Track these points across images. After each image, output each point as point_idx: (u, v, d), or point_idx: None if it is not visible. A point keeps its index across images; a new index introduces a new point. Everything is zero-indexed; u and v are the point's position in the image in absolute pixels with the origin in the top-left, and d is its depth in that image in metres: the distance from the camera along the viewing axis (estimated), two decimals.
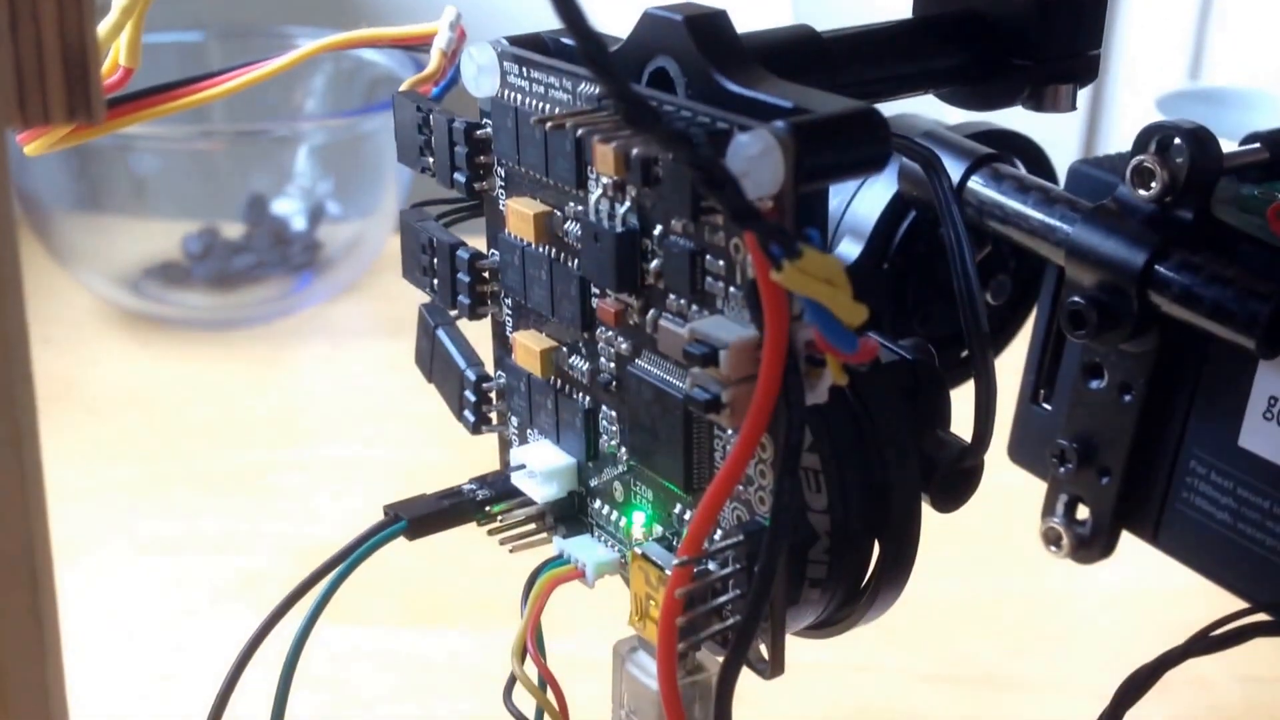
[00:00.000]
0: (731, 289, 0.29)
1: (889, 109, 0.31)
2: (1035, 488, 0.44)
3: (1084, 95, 1.16)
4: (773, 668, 0.31)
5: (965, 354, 0.46)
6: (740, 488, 0.30)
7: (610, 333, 0.33)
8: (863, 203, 0.43)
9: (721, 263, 0.29)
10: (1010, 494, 0.46)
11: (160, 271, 0.98)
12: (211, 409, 0.87)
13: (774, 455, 0.29)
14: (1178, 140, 0.37)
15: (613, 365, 0.33)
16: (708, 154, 0.25)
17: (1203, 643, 0.31)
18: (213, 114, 1.03)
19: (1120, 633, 0.68)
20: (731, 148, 0.27)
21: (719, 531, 0.31)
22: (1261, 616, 0.31)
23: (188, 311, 0.98)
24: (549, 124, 0.30)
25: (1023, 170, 0.44)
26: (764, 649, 0.31)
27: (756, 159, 0.26)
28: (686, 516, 0.32)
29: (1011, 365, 0.45)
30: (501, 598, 0.34)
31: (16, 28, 0.21)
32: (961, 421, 0.36)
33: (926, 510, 0.35)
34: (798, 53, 0.33)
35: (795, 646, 0.65)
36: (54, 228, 0.95)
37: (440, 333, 0.38)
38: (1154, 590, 0.70)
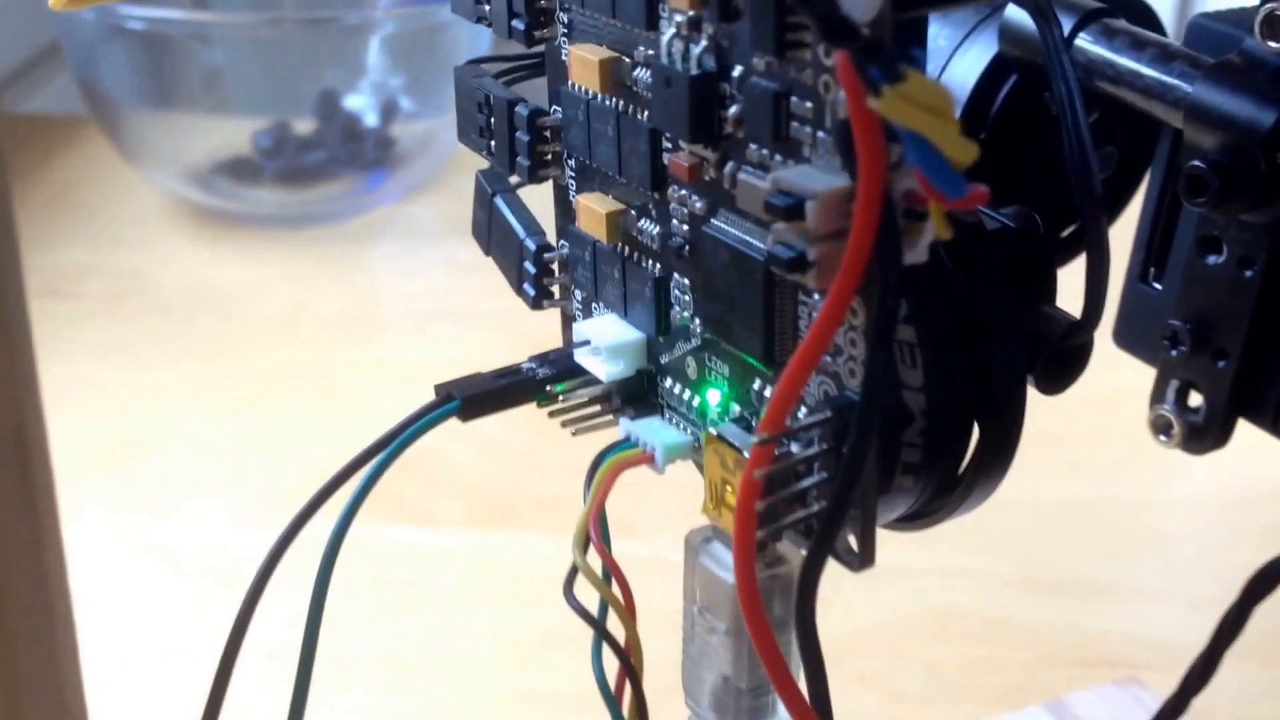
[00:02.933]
0: (820, 134, 0.26)
1: None
2: (1124, 390, 0.42)
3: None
4: (862, 559, 0.28)
5: (1068, 232, 0.43)
6: (828, 358, 0.27)
7: (683, 191, 0.30)
8: (959, 65, 0.40)
9: (809, 104, 0.26)
10: (1100, 396, 0.44)
11: (230, 167, 0.97)
12: (280, 307, 0.87)
13: (866, 322, 0.26)
14: None
15: (686, 228, 0.31)
16: None
17: None
18: (284, 2, 1.02)
19: (1211, 537, 0.66)
20: None
21: (803, 409, 0.28)
22: None
23: (258, 208, 0.98)
24: None
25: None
26: (852, 539, 0.28)
27: None
28: (767, 393, 0.30)
29: (1117, 246, 0.43)
30: (574, 500, 0.33)
31: None
32: (1066, 299, 0.33)
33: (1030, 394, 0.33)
34: None
35: (878, 545, 0.63)
36: (124, 125, 0.95)
37: (498, 200, 0.35)
38: (1244, 493, 0.68)
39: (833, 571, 0.61)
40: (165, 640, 0.59)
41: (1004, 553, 0.66)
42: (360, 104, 0.98)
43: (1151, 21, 0.42)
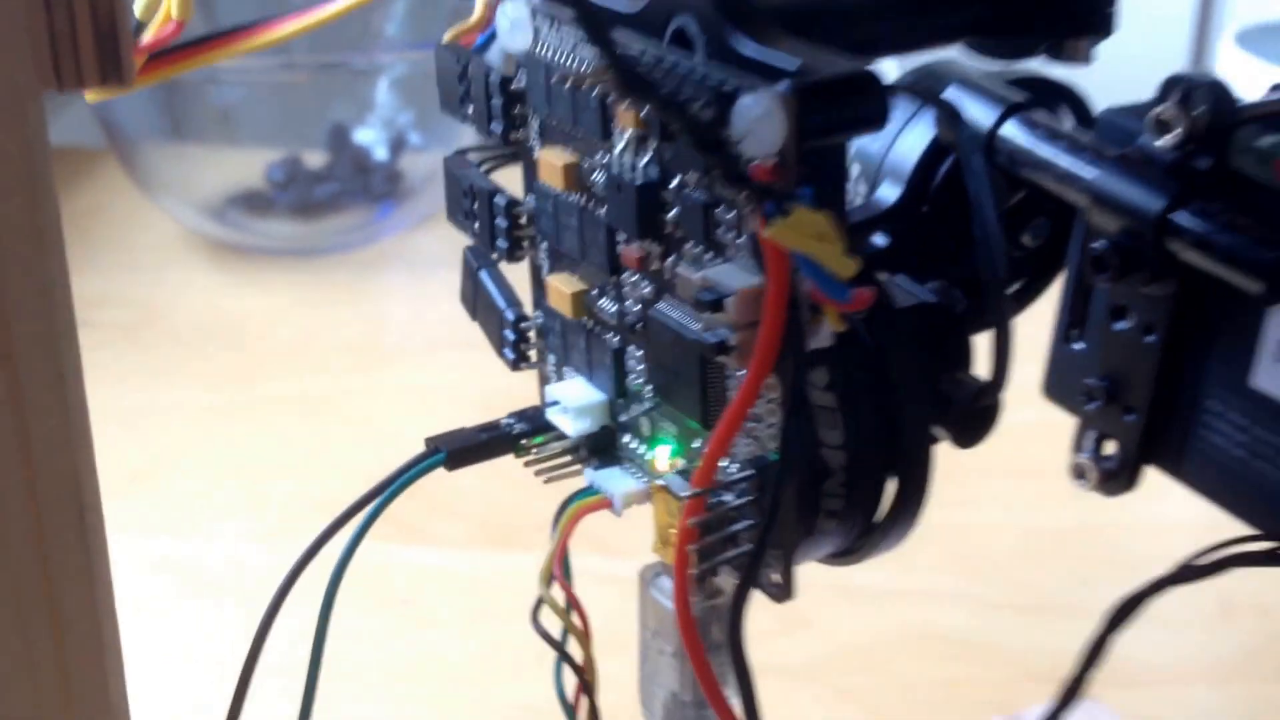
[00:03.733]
0: (740, 239, 0.31)
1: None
2: None
3: (1194, 11, 1.14)
4: (783, 592, 0.33)
5: (1010, 291, 0.47)
6: (752, 424, 0.32)
7: (635, 277, 0.35)
8: (903, 146, 0.44)
9: (731, 214, 0.31)
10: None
11: (244, 200, 1.00)
12: (292, 335, 0.90)
13: (782, 394, 0.31)
14: (1197, 92, 0.38)
15: (638, 308, 0.35)
16: (698, 120, 0.27)
17: (1187, 573, 0.33)
18: (295, 45, 1.05)
19: (1179, 561, 0.69)
20: (736, 108, 0.28)
21: (735, 465, 0.33)
22: (1243, 547, 0.33)
23: (270, 240, 1.01)
24: (569, 82, 0.32)
25: (1066, 118, 0.45)
26: (776, 575, 0.33)
27: (759, 120, 0.28)
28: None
29: (1050, 304, 0.47)
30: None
31: (51, 5, 0.23)
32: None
33: (993, 447, 0.37)
34: (812, 10, 0.34)
35: (860, 573, 0.67)
36: (140, 158, 0.97)
37: (482, 274, 0.40)
38: (1212, 518, 0.71)
39: (817, 593, 0.66)
40: (183, 651, 0.63)
41: (982, 576, 0.69)
42: (370, 138, 1.01)
43: (1079, 104, 0.47)
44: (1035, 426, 0.47)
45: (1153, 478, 0.44)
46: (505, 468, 0.41)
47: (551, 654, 0.36)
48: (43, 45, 0.22)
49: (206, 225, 0.99)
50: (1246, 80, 0.42)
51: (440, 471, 0.38)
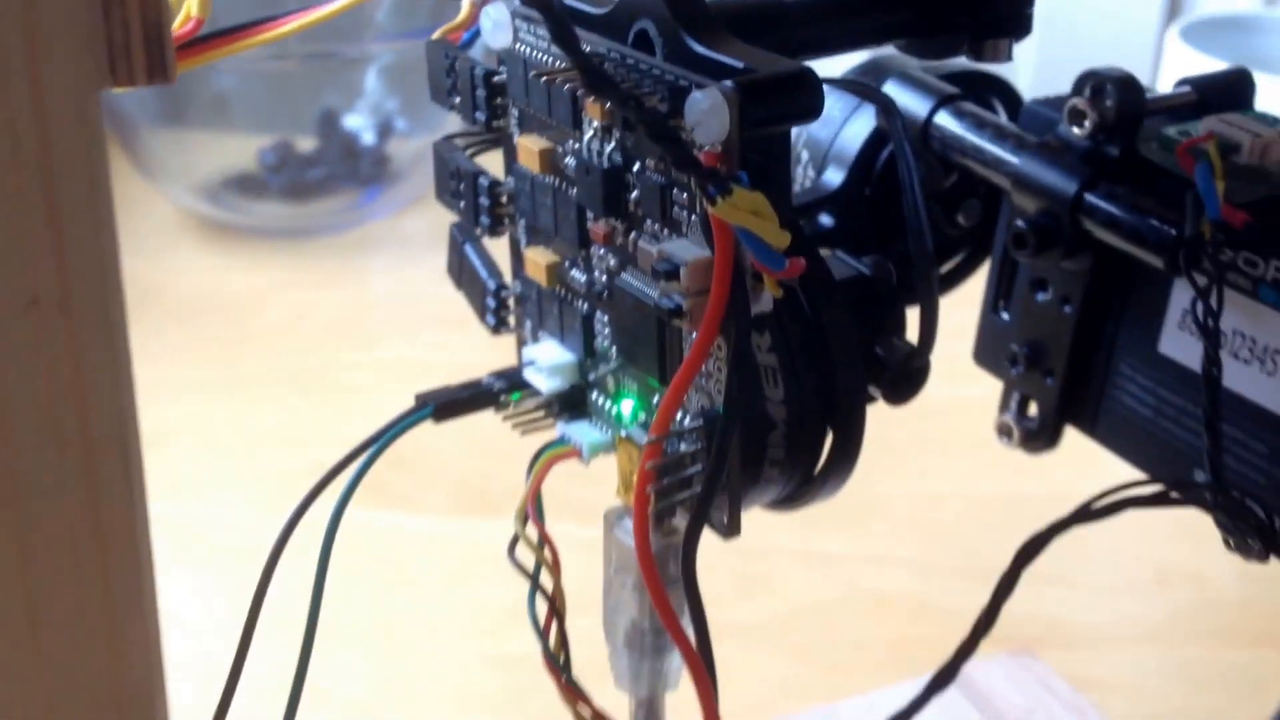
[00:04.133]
0: (693, 216, 0.35)
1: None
2: None
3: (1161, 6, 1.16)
4: (730, 529, 0.37)
5: (946, 268, 0.51)
6: (702, 380, 0.36)
7: (601, 250, 0.39)
8: (848, 135, 0.48)
9: (685, 195, 0.35)
10: None
11: (238, 183, 1.03)
12: (284, 313, 0.93)
13: (728, 353, 0.35)
14: (1109, 85, 0.43)
15: (604, 278, 0.39)
16: (655, 113, 0.31)
17: (1086, 514, 0.37)
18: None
19: (1121, 531, 0.73)
20: (688, 102, 0.32)
21: (687, 417, 0.37)
22: (1136, 491, 0.37)
23: (263, 221, 1.03)
24: (544, 78, 0.36)
25: (998, 110, 0.50)
26: (724, 515, 0.37)
27: (707, 112, 0.32)
28: None
29: (981, 279, 0.51)
30: (550, 493, 0.41)
31: (109, 12, 0.27)
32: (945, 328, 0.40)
33: (941, 421, 0.40)
34: (759, 15, 0.38)
35: (816, 539, 0.71)
36: (139, 142, 1.00)
37: (467, 248, 0.44)
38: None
39: (774, 558, 0.70)
40: (184, 608, 0.67)
41: (931, 543, 0.73)
42: (358, 124, 1.04)
43: (1010, 95, 0.51)
44: (982, 402, 0.51)
45: (1094, 454, 0.48)
46: (483, 439, 0.44)
47: (523, 611, 0.39)
48: (102, 47, 0.26)
49: (201, 206, 1.02)
50: (1191, 73, 0.46)
51: (424, 442, 0.42)
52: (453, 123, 1.02)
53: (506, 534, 0.40)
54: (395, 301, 0.96)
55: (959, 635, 0.38)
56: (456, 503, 0.75)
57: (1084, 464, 0.49)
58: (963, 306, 0.49)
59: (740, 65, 0.34)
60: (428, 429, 0.42)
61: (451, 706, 0.63)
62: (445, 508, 0.75)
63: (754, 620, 0.68)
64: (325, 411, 0.83)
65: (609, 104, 0.35)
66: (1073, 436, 0.48)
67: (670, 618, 0.36)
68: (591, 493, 0.43)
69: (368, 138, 1.05)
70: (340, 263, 1.00)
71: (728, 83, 0.32)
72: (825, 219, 0.47)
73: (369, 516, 0.72)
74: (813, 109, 0.34)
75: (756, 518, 0.37)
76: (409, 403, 0.42)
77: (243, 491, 0.76)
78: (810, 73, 0.33)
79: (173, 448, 0.79)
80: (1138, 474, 0.43)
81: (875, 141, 0.48)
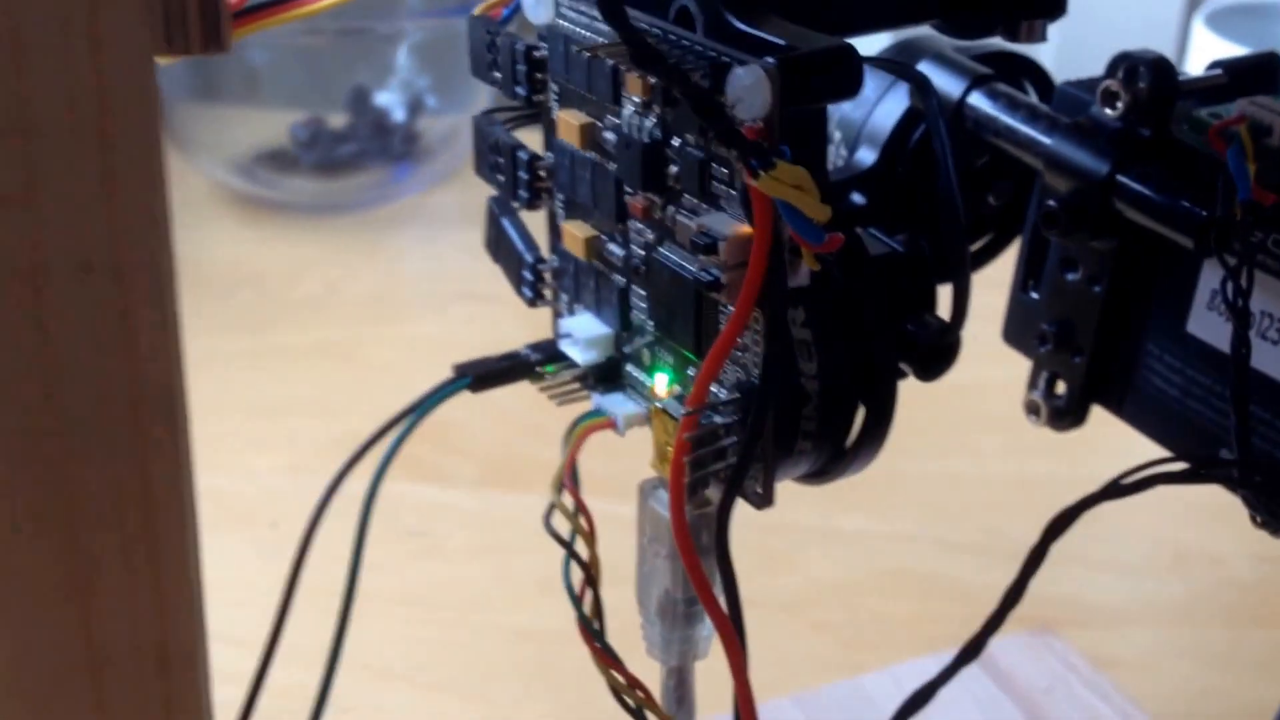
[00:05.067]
0: (732, 191, 0.35)
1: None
2: None
3: None
4: (764, 499, 0.37)
5: (977, 246, 0.52)
6: (739, 353, 0.37)
7: (639, 224, 0.39)
8: (880, 114, 0.49)
9: (725, 170, 0.35)
10: None
11: (270, 158, 1.04)
12: (315, 287, 0.94)
13: (765, 327, 0.35)
14: (1141, 67, 0.43)
15: (641, 252, 0.39)
16: (700, 88, 0.32)
17: (1115, 490, 0.37)
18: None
19: (1142, 512, 0.73)
20: (730, 78, 0.33)
21: (723, 390, 0.38)
22: (1165, 468, 0.37)
23: (295, 196, 1.04)
24: (588, 53, 0.37)
25: (1029, 91, 0.50)
26: (758, 486, 0.38)
27: (749, 88, 0.33)
28: None
29: (1011, 258, 0.51)
30: (579, 467, 0.41)
31: None
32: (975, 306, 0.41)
33: (965, 401, 0.41)
34: None
35: (839, 517, 0.72)
36: (172, 116, 1.00)
37: (504, 221, 0.45)
38: None
39: (798, 535, 0.70)
40: (218, 575, 0.68)
41: (953, 521, 0.73)
42: (389, 101, 1.05)
43: (1042, 76, 0.51)
44: (1006, 382, 0.52)
45: (1114, 434, 0.48)
46: (513, 413, 0.45)
47: (555, 586, 0.40)
48: (159, 15, 0.27)
49: (234, 181, 1.03)
50: (1215, 59, 0.46)
51: (454, 416, 0.43)
52: (482, 100, 1.03)
53: (536, 507, 0.40)
54: (425, 277, 0.97)
55: (980, 612, 0.39)
56: (486, 476, 0.76)
57: (1104, 445, 0.49)
58: (984, 289, 0.50)
59: (781, 42, 0.34)
60: (459, 402, 0.43)
61: (482, 678, 0.64)
62: (475, 480, 0.76)
63: (776, 596, 0.69)
64: (356, 384, 0.83)
65: (652, 79, 0.35)
66: (1094, 419, 0.48)
67: (703, 587, 0.37)
68: (620, 468, 0.43)
69: (399, 114, 1.06)
70: (371, 238, 1.00)
71: (770, 59, 0.33)
72: (857, 197, 0.48)
73: (398, 489, 0.73)
74: (852, 86, 0.34)
75: (779, 495, 0.38)
76: (438, 376, 0.42)
77: (276, 459, 0.77)
78: (851, 49, 0.34)
79: (205, 417, 0.79)
80: (1160, 453, 0.43)
81: (908, 121, 0.48)
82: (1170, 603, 0.70)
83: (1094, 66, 0.45)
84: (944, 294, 0.41)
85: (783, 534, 0.71)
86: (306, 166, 1.04)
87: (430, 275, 0.97)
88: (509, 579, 0.69)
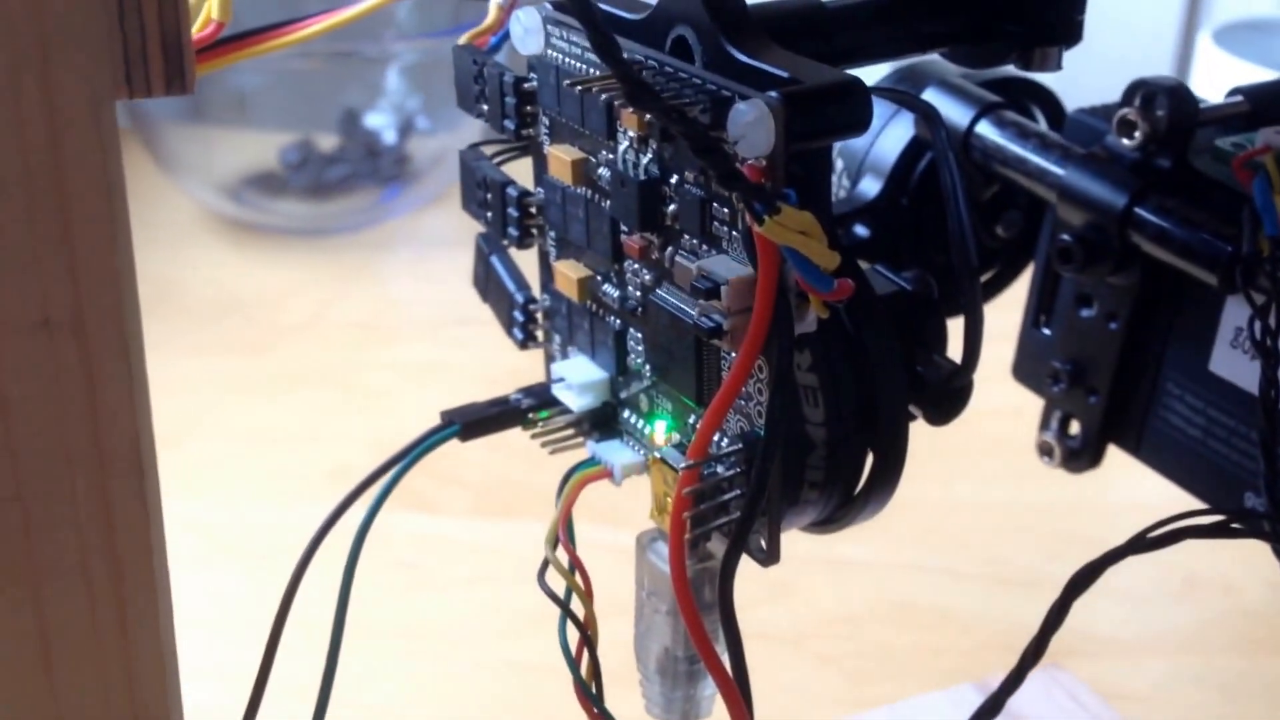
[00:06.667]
0: (734, 232, 0.33)
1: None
2: None
3: (1180, 9, 1.15)
4: (769, 556, 0.36)
5: (984, 279, 0.50)
6: (741, 402, 0.35)
7: (636, 265, 0.37)
8: (884, 144, 0.47)
9: (726, 210, 0.34)
10: None
11: (259, 181, 1.02)
12: (304, 311, 0.92)
13: (769, 375, 0.34)
14: (1159, 95, 0.41)
15: (638, 293, 0.38)
16: (699, 126, 0.30)
17: (1141, 543, 0.35)
18: None
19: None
20: (731, 114, 0.31)
21: (725, 440, 0.36)
22: (1194, 520, 0.35)
23: (284, 219, 1.03)
24: (579, 87, 0.35)
25: (1037, 118, 0.48)
26: (762, 540, 0.36)
27: (752, 125, 0.31)
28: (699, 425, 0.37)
29: (1021, 290, 0.50)
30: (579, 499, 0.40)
31: (125, 19, 0.26)
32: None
33: (968, 427, 0.39)
34: (801, 20, 0.37)
35: (842, 546, 0.70)
36: (160, 139, 0.99)
37: (493, 259, 0.43)
38: (1178, 502, 0.74)
39: (801, 565, 0.69)
40: (204, 610, 0.66)
41: (956, 550, 0.71)
42: (379, 123, 1.03)
43: (1051, 102, 0.50)
44: (1008, 409, 0.50)
45: (1118, 460, 0.47)
46: (507, 442, 0.44)
47: (547, 617, 0.38)
48: (118, 57, 0.25)
49: (223, 204, 1.02)
50: (1223, 78, 0.45)
51: (446, 444, 0.41)
52: (475, 123, 1.01)
53: (528, 537, 0.39)
54: (416, 300, 0.96)
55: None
56: (478, 504, 0.74)
57: (1110, 471, 0.48)
58: (988, 309, 0.48)
59: (785, 75, 0.32)
60: None
61: (472, 710, 0.63)
62: (466, 510, 0.74)
63: (779, 628, 0.67)
64: (346, 410, 0.82)
65: (648, 115, 0.34)
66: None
67: (706, 646, 0.35)
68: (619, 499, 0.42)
69: (389, 136, 1.04)
70: (361, 261, 0.99)
71: (773, 94, 0.31)
72: (861, 229, 0.46)
73: (390, 519, 0.71)
74: (862, 122, 0.32)
75: None
76: (429, 402, 0.41)
77: (263, 490, 0.75)
78: (859, 83, 0.32)
79: (191, 446, 0.78)
80: (1168, 487, 0.42)
81: (913, 151, 0.47)
82: (1181, 632, 0.69)
83: (1090, 83, 0.44)
84: (953, 327, 0.39)
85: (784, 563, 0.69)
86: (296, 189, 1.03)
87: (422, 298, 0.95)
88: (503, 611, 0.67)
